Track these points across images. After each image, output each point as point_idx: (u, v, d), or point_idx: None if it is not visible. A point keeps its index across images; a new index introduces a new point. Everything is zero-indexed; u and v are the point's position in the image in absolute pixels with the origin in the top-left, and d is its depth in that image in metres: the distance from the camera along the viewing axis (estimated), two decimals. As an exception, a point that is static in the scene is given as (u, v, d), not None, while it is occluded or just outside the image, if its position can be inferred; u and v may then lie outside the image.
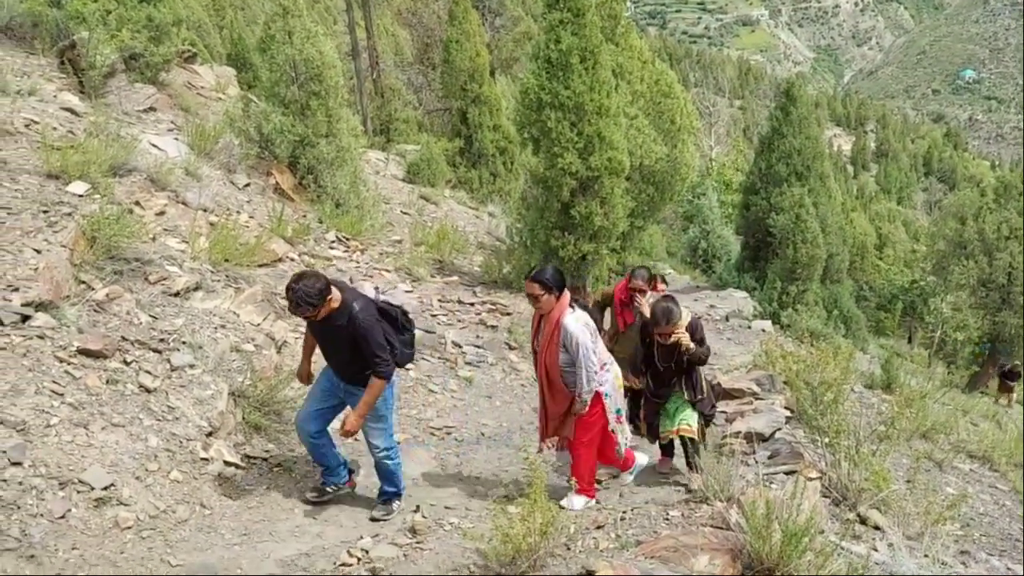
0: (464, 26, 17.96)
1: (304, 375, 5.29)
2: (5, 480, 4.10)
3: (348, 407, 5.09)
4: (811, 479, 4.93)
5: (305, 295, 4.54)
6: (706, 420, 6.04)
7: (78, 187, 6.90)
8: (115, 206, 6.76)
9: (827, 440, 5.30)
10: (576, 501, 5.25)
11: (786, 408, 7.29)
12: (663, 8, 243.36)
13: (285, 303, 4.84)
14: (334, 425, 5.29)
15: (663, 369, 5.88)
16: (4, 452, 4.21)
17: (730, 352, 11.21)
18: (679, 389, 5.91)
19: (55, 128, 8.05)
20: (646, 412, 6.18)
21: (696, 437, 5.86)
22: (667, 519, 4.68)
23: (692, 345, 5.70)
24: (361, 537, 4.70)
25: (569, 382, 5.25)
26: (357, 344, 4.76)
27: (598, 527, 4.59)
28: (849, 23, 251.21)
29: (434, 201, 14.69)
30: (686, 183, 12.85)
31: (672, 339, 5.70)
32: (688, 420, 5.85)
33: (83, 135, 8.04)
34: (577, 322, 5.21)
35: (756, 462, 5.88)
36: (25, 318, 5.17)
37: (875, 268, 31.83)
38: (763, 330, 13.15)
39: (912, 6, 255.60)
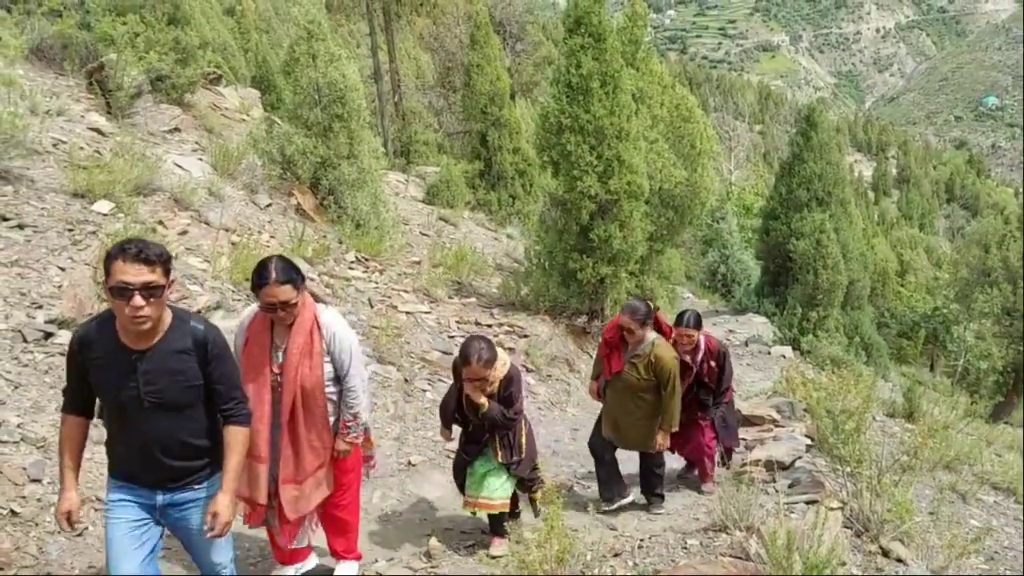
0: (485, 50, 18.12)
1: (71, 507, 3.10)
2: (24, 497, 4.12)
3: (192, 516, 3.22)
4: (832, 509, 4.85)
5: (150, 247, 2.89)
6: (528, 485, 4.90)
7: (103, 206, 7.00)
8: (139, 225, 6.85)
9: (849, 469, 5.22)
10: (349, 569, 4.29)
11: (807, 436, 7.20)
12: (684, 33, 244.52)
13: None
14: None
15: (472, 423, 4.67)
16: (24, 469, 4.24)
17: (749, 378, 11.13)
18: (491, 448, 4.71)
19: (82, 148, 8.18)
20: (455, 466, 4.98)
21: (504, 511, 4.76)
22: (685, 548, 4.62)
23: (487, 405, 4.48)
24: (376, 560, 4.67)
25: (332, 408, 3.91)
26: (206, 381, 3.11)
27: (615, 555, 4.54)
28: (870, 49, 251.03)
29: (453, 222, 14.76)
30: (705, 207, 12.82)
31: (470, 392, 4.47)
32: (494, 493, 4.69)
33: (109, 155, 8.16)
34: (341, 318, 3.96)
35: (776, 491, 5.81)
36: (48, 335, 5.22)
37: (896, 295, 31.51)
38: (783, 356, 13.05)
39: (934, 33, 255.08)
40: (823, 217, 16.33)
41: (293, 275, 3.59)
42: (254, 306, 3.80)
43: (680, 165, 11.90)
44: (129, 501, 3.11)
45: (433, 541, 4.89)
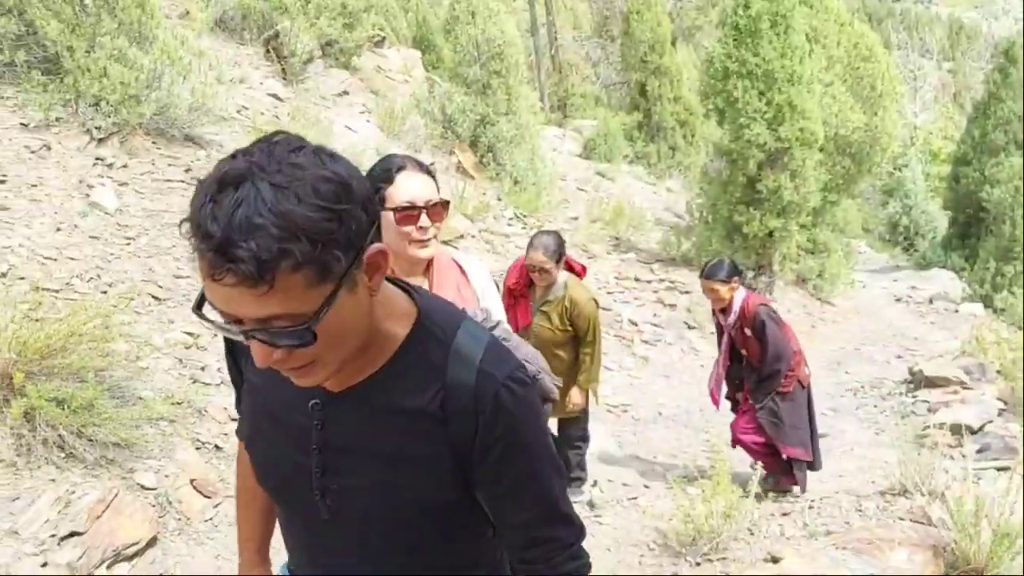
0: (645, -6, 17.58)
1: None
2: (225, 434, 4.54)
3: None
4: (1029, 478, 4.46)
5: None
6: None
7: (283, 167, 7.48)
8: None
9: (1050, 436, 4.77)
10: None
11: (999, 399, 6.65)
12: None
13: None
14: None
15: None
16: (225, 408, 4.65)
17: (934, 337, 10.37)
18: None
19: (262, 113, 8.75)
20: None
21: None
22: (860, 510, 4.41)
23: None
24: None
25: None
26: (465, 492, 1.27)
27: (784, 514, 4.41)
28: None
29: (610, 177, 14.58)
30: (886, 154, 11.93)
31: None
32: None
33: (287, 119, 8.68)
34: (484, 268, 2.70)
35: (963, 456, 5.42)
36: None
37: (1112, 247, 28.12)
38: (973, 315, 12.02)
39: None
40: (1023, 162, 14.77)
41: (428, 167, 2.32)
42: None
43: (859, 109, 11.10)
44: None
45: (596, 491, 4.95)
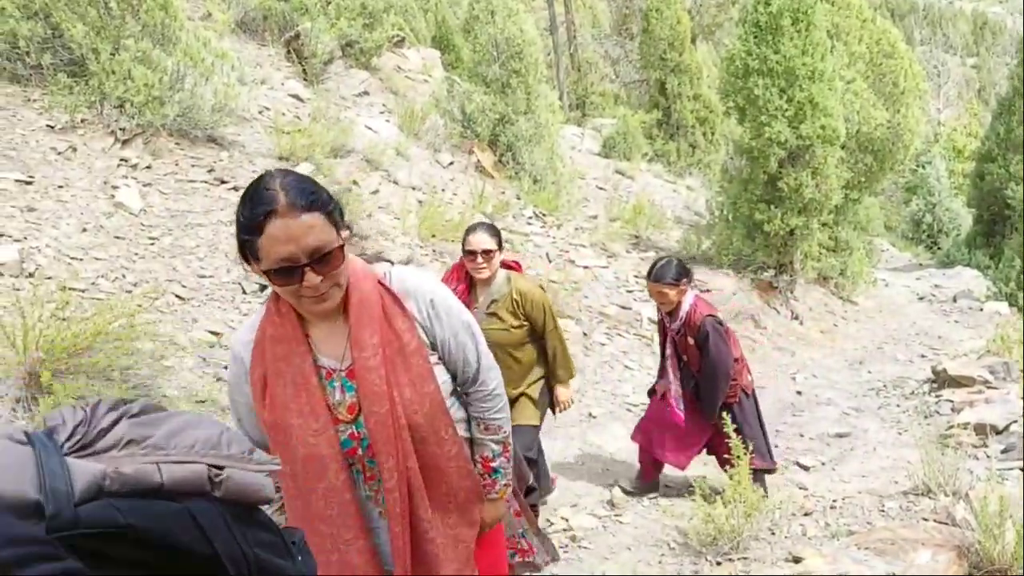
0: (664, -8, 17.50)
1: None
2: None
3: None
4: (1056, 479, 4.40)
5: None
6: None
7: (305, 168, 7.52)
8: (337, 185, 7.31)
9: (1078, 437, 4.71)
10: None
11: (1025, 399, 6.56)
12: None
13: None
14: None
15: None
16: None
17: (958, 336, 10.26)
18: None
19: (283, 114, 8.81)
20: None
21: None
22: (882, 510, 4.37)
23: None
24: (561, 505, 4.80)
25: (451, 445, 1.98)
26: None
27: (806, 514, 4.38)
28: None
29: (630, 175, 14.53)
30: (909, 151, 11.80)
31: None
32: None
33: (308, 119, 8.74)
34: (426, 274, 2.24)
35: (988, 456, 5.36)
36: (263, 287, 5.75)
37: None
38: (998, 313, 11.87)
39: None
40: (1050, 158, 14.55)
41: (316, 196, 1.69)
42: (248, 323, 2.06)
43: (881, 106, 11.01)
44: None
45: (616, 490, 4.95)
